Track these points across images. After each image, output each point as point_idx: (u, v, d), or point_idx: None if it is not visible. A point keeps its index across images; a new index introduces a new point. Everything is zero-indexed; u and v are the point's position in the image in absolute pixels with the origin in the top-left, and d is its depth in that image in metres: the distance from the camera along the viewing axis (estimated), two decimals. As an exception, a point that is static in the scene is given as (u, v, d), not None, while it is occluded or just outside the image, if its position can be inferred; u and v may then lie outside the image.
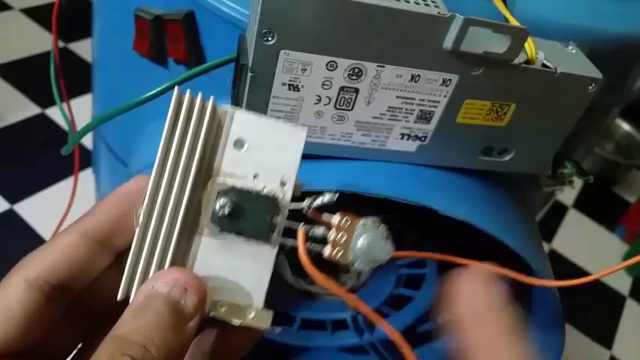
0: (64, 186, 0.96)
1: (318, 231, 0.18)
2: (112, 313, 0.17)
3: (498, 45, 0.23)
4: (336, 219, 0.18)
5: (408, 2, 0.23)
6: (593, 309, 1.05)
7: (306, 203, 0.18)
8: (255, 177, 0.18)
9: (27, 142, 1.02)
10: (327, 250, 0.18)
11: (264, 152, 0.18)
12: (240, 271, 0.18)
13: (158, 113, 0.36)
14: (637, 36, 0.31)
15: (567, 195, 1.33)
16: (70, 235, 0.18)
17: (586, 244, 1.24)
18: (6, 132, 1.02)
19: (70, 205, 0.52)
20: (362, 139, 0.27)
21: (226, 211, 0.18)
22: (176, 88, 0.17)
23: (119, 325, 0.16)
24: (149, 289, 0.17)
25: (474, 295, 0.18)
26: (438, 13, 0.22)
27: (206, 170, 0.18)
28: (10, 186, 0.94)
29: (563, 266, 1.16)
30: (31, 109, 1.08)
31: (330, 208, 0.19)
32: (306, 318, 0.40)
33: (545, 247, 1.14)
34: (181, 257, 0.18)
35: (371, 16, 0.22)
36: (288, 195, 0.18)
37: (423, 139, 0.27)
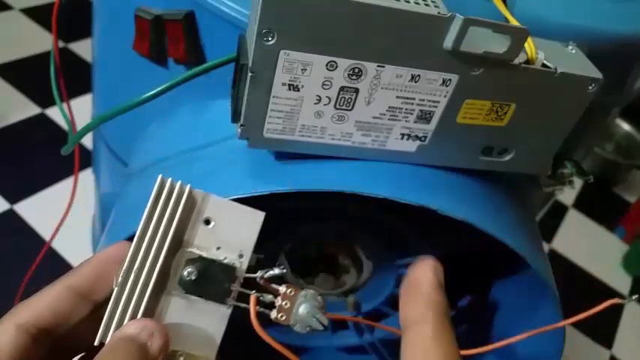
0: (64, 186, 0.96)
1: (268, 298, 0.22)
2: (89, 353, 0.21)
3: (498, 45, 0.23)
4: (282, 289, 0.22)
5: (408, 2, 0.23)
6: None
7: (259, 274, 0.22)
8: (218, 249, 0.21)
9: (27, 142, 1.02)
10: (273, 314, 0.22)
11: (227, 229, 0.21)
12: (198, 327, 0.22)
13: (158, 113, 0.37)
14: (637, 36, 0.31)
15: (567, 195, 1.33)
16: (57, 287, 0.21)
17: (586, 244, 1.24)
18: (6, 132, 1.03)
19: (70, 205, 0.52)
20: (362, 139, 0.27)
21: (192, 277, 0.21)
22: (160, 176, 0.21)
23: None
24: (122, 332, 0.20)
25: (414, 277, 0.21)
26: (438, 13, 0.22)
27: (177, 240, 0.21)
28: (10, 186, 0.94)
29: (563, 266, 1.16)
30: (31, 109, 1.08)
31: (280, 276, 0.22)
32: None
33: (545, 247, 1.14)
34: (150, 311, 0.21)
35: (371, 16, 0.22)
36: (245, 265, 0.22)
37: (423, 139, 0.27)
